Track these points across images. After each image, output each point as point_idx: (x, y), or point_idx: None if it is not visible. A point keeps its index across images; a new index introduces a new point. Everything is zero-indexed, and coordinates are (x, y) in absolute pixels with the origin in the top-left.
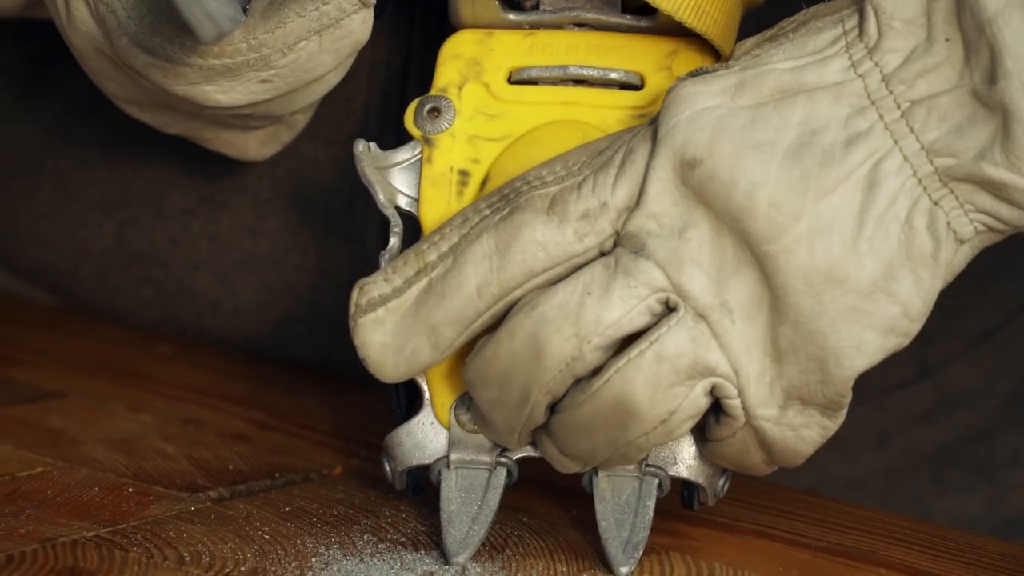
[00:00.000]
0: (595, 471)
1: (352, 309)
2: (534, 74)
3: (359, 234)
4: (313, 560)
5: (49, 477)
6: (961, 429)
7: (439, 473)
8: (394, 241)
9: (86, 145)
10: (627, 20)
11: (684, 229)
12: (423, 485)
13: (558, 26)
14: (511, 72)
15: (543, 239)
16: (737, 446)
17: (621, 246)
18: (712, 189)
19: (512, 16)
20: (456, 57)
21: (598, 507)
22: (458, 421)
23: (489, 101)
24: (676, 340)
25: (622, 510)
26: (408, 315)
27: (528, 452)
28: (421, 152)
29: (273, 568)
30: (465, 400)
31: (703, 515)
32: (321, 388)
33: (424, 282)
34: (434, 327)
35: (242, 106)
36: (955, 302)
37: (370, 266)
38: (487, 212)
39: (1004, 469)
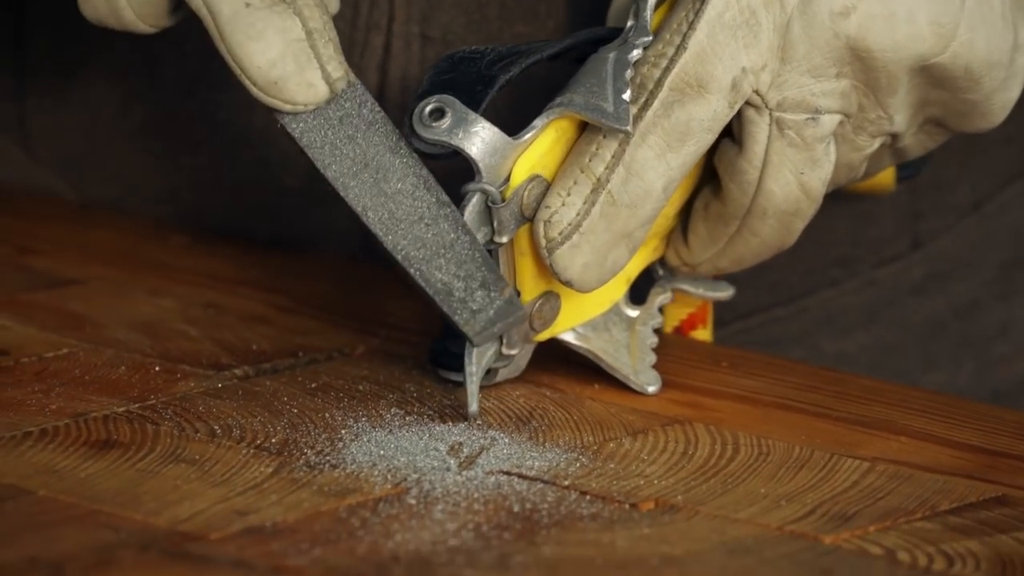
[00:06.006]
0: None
1: (544, 243)
2: None
3: None
4: (343, 432)
5: (76, 357)
6: (951, 301)
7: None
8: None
9: None
10: None
11: (840, 77)
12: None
13: None
14: None
15: (710, 123)
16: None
17: (784, 112)
18: (874, 29)
19: None
20: None
21: (602, 361)
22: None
23: None
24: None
25: (616, 344)
26: (601, 231)
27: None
28: None
29: (304, 440)
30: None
31: (724, 389)
32: (333, 272)
33: (604, 196)
34: (629, 234)
35: None
36: (944, 174)
37: None
38: (634, 110)
39: (992, 341)
